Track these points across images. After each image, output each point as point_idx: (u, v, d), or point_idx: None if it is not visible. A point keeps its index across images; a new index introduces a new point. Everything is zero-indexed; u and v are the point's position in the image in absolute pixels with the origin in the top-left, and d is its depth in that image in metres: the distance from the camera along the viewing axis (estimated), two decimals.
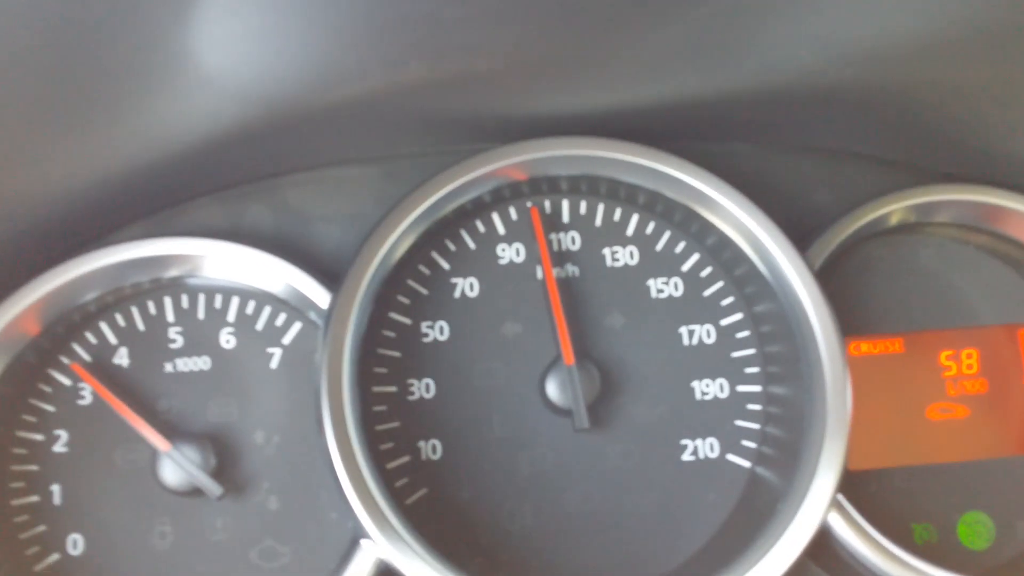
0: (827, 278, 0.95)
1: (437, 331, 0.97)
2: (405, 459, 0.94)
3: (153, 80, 0.70)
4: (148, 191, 0.92)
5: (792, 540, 0.85)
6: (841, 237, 0.96)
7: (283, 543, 0.93)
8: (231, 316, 0.97)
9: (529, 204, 1.00)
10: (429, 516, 0.92)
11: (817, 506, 0.86)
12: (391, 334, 0.97)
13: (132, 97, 0.72)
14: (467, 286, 0.99)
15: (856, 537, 0.87)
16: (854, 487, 0.94)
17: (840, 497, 0.88)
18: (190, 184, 0.96)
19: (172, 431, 0.93)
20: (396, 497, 0.90)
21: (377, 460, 0.89)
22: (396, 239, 0.92)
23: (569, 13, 0.71)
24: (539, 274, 0.98)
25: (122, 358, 0.96)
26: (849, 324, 0.98)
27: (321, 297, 0.92)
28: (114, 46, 0.64)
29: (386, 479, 0.90)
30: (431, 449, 0.95)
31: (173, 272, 0.95)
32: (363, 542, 0.85)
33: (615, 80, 0.88)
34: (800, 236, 0.96)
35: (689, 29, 0.77)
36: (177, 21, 0.62)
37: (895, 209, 0.98)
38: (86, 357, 0.96)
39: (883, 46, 0.79)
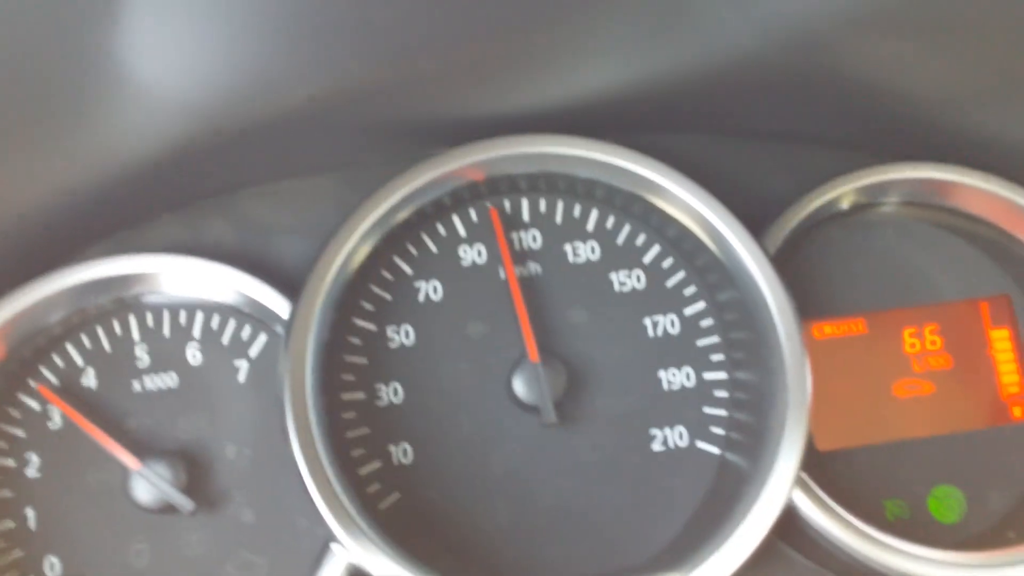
0: (785, 263, 0.96)
1: (403, 335, 0.98)
2: (376, 464, 0.95)
3: (90, 99, 0.70)
4: (104, 211, 0.93)
5: (758, 520, 0.86)
6: (795, 222, 0.97)
7: (258, 554, 0.93)
8: (196, 331, 0.98)
9: (488, 204, 1.01)
10: (403, 520, 0.93)
11: (781, 486, 0.87)
12: (357, 341, 0.97)
13: (71, 118, 0.72)
14: (431, 289, 0.99)
15: (822, 515, 0.88)
16: (824, 467, 0.95)
17: (805, 476, 0.89)
18: (148, 202, 0.96)
19: (142, 449, 0.93)
20: (369, 502, 0.91)
21: (347, 466, 0.90)
22: (354, 245, 0.92)
23: (505, 10, 0.72)
24: (502, 274, 0.99)
25: (90, 379, 0.96)
26: (811, 307, 0.99)
27: (284, 308, 0.93)
28: (44, 68, 0.64)
29: (357, 485, 0.90)
30: (402, 453, 0.95)
31: (136, 290, 0.96)
32: (333, 547, 0.86)
33: (566, 76, 0.89)
34: (757, 223, 0.97)
35: (629, 19, 0.79)
36: (106, 35, 0.63)
37: (846, 191, 0.99)
38: (53, 380, 0.96)
39: (822, 27, 0.80)
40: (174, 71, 0.71)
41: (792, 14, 0.78)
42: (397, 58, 0.76)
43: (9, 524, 0.93)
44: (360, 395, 0.96)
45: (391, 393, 0.97)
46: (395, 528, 0.88)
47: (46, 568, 0.92)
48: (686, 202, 0.95)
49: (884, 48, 0.82)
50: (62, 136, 0.75)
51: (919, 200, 1.02)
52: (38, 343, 0.95)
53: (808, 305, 0.97)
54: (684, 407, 0.98)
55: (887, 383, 1.02)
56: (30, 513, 0.93)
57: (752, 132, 1.04)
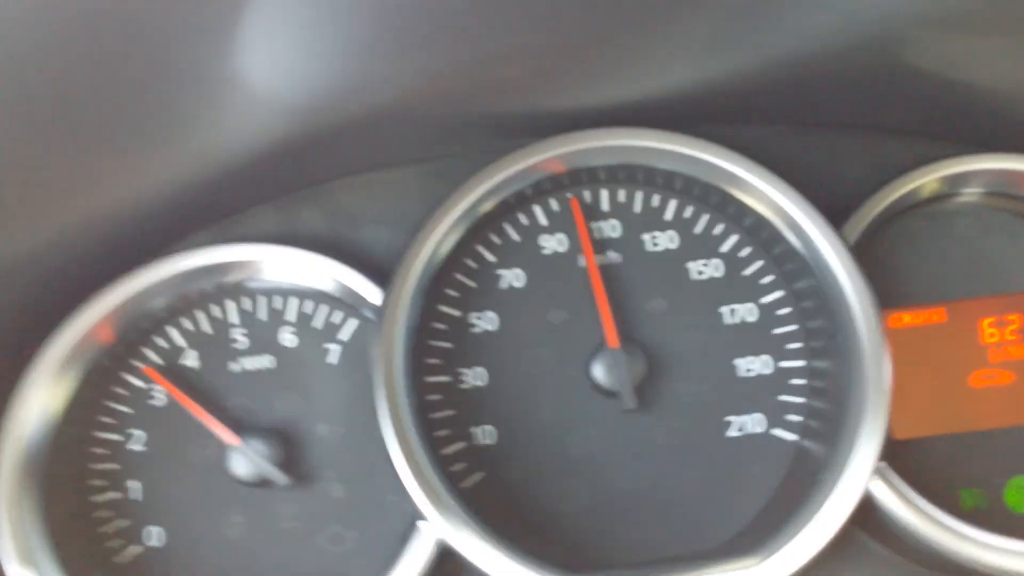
0: (864, 253, 0.97)
1: (486, 321, 1.01)
2: (461, 445, 0.98)
3: (204, 100, 0.75)
4: (208, 203, 0.97)
5: (836, 509, 0.87)
6: (875, 212, 0.98)
7: (348, 528, 0.98)
8: (291, 316, 1.02)
9: (569, 195, 1.03)
10: (486, 499, 0.96)
11: (860, 474, 0.88)
12: (442, 326, 1.00)
13: (185, 118, 0.77)
14: (513, 277, 1.02)
15: (901, 504, 0.89)
16: (901, 456, 0.96)
17: (884, 465, 0.90)
18: (247, 194, 1.00)
19: (241, 427, 0.98)
20: (453, 481, 0.94)
21: (433, 446, 0.93)
22: (442, 236, 0.96)
23: (593, 14, 0.74)
24: (581, 262, 1.02)
25: (191, 360, 1.01)
26: (890, 296, 1.00)
27: (374, 294, 0.97)
28: (166, 72, 0.69)
29: (442, 464, 0.93)
30: (485, 434, 0.99)
31: (235, 277, 1.00)
32: (421, 524, 0.90)
33: (645, 72, 0.91)
34: (835, 213, 0.97)
35: (712, 18, 0.80)
36: (224, 45, 0.67)
37: (927, 181, 0.99)
38: (158, 360, 1.01)
39: (903, 25, 0.80)
40: (280, 76, 0.75)
41: (873, 13, 0.78)
42: (488, 62, 0.79)
43: (115, 495, 0.99)
44: (445, 378, 1.00)
45: (474, 376, 1.00)
46: (478, 506, 0.91)
47: (149, 536, 0.98)
48: (765, 193, 0.97)
49: (965, 44, 0.82)
50: (175, 133, 0.79)
51: (1000, 190, 1.02)
52: (144, 326, 1.01)
53: (887, 294, 0.98)
54: (761, 394, 0.99)
55: (964, 373, 1.02)
56: (135, 485, 0.99)
57: (832, 123, 1.04)
